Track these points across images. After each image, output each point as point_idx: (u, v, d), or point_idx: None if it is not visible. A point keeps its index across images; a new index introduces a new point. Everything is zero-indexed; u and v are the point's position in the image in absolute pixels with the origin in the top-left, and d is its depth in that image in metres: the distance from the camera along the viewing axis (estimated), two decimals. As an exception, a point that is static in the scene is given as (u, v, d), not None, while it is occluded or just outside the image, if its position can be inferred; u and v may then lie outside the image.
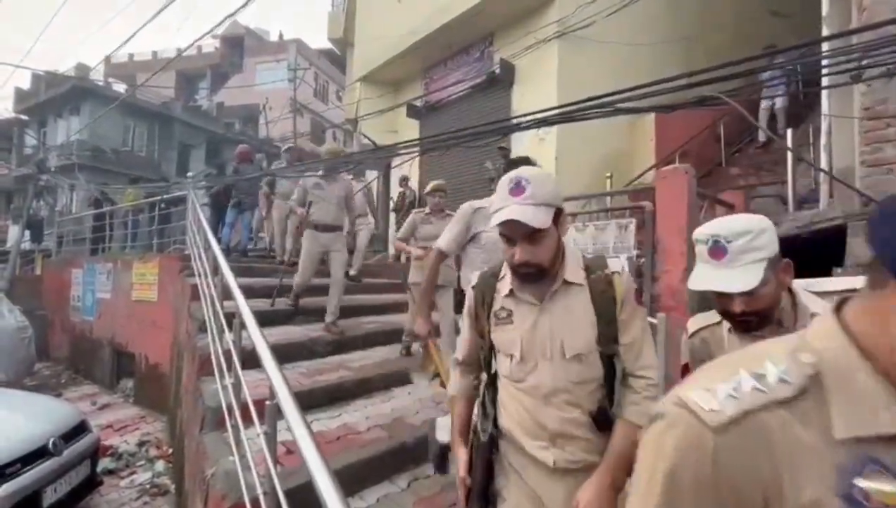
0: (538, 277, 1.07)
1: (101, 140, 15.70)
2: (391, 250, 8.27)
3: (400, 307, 5.00)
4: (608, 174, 5.81)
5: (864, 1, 3.27)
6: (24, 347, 6.40)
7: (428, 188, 3.77)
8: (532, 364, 1.11)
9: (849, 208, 3.17)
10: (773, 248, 0.98)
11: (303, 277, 4.06)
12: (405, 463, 2.45)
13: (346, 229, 4.50)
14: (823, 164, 3.99)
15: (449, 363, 3.08)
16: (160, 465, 4.16)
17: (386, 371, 3.46)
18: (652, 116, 5.97)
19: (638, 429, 1.03)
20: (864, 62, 1.59)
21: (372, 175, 5.55)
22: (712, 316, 1.18)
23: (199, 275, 3.64)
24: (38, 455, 2.95)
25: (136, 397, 6.05)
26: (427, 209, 3.77)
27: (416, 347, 3.78)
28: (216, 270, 2.92)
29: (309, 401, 2.76)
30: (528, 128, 2.13)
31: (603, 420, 1.10)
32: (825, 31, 4.02)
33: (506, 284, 1.16)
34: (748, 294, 0.95)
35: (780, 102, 6.80)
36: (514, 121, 2.13)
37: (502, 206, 1.03)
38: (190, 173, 6.89)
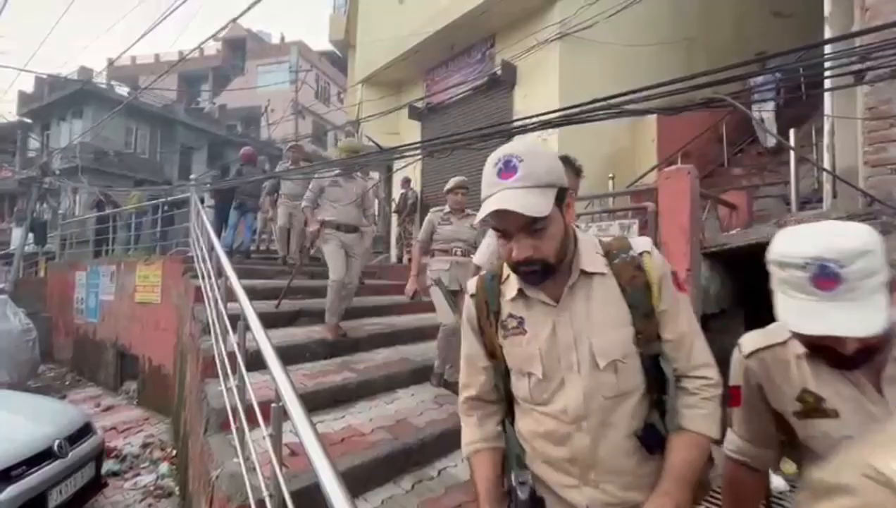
0: (545, 274, 0.86)
1: (103, 143, 15.77)
2: (393, 252, 8.28)
3: (401, 309, 5.00)
4: (610, 175, 5.81)
5: (867, 1, 3.26)
6: (29, 349, 6.43)
7: (449, 185, 3.48)
8: (557, 382, 0.90)
9: (852, 209, 3.16)
10: (888, 266, 0.76)
11: (337, 273, 3.77)
12: (409, 465, 2.45)
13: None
14: (826, 164, 3.99)
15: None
16: (164, 467, 4.17)
17: (389, 373, 3.46)
18: (654, 116, 5.97)
19: (702, 439, 0.89)
20: (868, 64, 1.59)
21: (376, 177, 5.56)
22: (775, 333, 0.97)
23: (203, 277, 3.65)
24: (43, 456, 2.96)
25: (140, 399, 6.07)
26: (446, 208, 3.49)
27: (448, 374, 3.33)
28: (220, 272, 2.93)
29: (312, 403, 2.76)
30: (534, 130, 2.14)
31: (653, 441, 0.88)
32: (827, 32, 4.01)
33: (511, 285, 0.95)
34: None
35: (767, 114, 6.76)
36: (520, 123, 2.13)
37: (490, 193, 0.82)
38: (193, 176, 6.92)
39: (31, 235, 10.99)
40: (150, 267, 6.06)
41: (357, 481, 2.18)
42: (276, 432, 1.58)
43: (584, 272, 0.90)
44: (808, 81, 3.99)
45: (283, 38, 26.80)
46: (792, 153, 4.85)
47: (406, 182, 7.79)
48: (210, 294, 3.20)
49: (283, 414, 1.42)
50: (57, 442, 3.09)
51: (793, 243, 0.79)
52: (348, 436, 2.56)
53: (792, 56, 2.02)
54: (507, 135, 2.88)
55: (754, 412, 1.03)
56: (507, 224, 0.83)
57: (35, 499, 2.80)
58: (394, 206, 7.88)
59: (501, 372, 0.98)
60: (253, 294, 2.58)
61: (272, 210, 6.57)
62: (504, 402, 1.02)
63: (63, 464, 3.05)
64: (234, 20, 4.69)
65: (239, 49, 25.21)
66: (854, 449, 0.41)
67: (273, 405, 1.55)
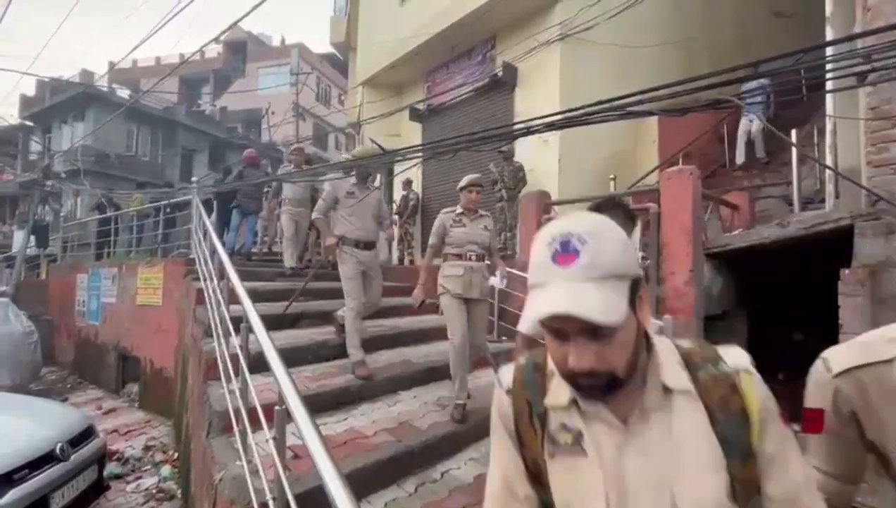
0: (610, 389, 0.64)
1: (105, 145, 15.80)
2: (394, 254, 8.27)
3: (403, 311, 4.99)
4: (612, 176, 5.81)
5: (869, 1, 3.26)
6: (30, 352, 6.43)
7: (463, 183, 3.22)
8: None
9: (856, 209, 3.15)
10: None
11: (357, 299, 3.43)
12: (412, 468, 2.45)
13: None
14: (828, 163, 3.98)
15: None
16: (166, 470, 4.16)
17: (391, 375, 3.45)
18: (655, 117, 5.97)
19: None
20: (871, 65, 1.58)
21: (378, 180, 5.56)
22: (873, 348, 0.82)
23: (205, 279, 3.66)
24: (45, 460, 2.96)
25: (142, 401, 6.06)
26: (458, 208, 3.21)
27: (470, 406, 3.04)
28: (222, 274, 2.93)
29: (315, 405, 2.74)
30: (538, 132, 2.13)
31: None
32: (829, 32, 4.01)
33: (561, 385, 0.70)
34: None
35: (756, 126, 6.70)
36: (523, 125, 2.13)
37: (542, 281, 0.62)
38: (194, 178, 6.92)
39: (32, 237, 11.01)
40: (152, 269, 6.07)
41: (360, 484, 2.17)
42: (280, 435, 1.57)
43: (664, 388, 0.68)
44: (808, 83, 3.98)
45: (283, 41, 26.88)
46: (794, 153, 4.85)
47: (407, 184, 7.79)
48: (212, 296, 3.20)
49: (287, 417, 1.42)
50: (59, 445, 3.08)
51: (548, 227, 0.67)
52: (351, 439, 2.56)
53: (792, 57, 2.02)
54: (510, 137, 2.88)
55: (842, 443, 0.87)
56: (564, 324, 0.61)
57: (37, 503, 2.79)
58: (394, 208, 7.88)
59: (549, 503, 0.71)
60: (254, 297, 2.58)
61: (273, 215, 6.55)
62: None
63: (65, 467, 3.05)
64: (235, 23, 4.70)
65: (240, 52, 25.28)
66: None
67: (277, 407, 1.55)
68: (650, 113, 1.62)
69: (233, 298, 2.64)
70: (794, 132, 4.92)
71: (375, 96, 8.90)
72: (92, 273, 7.58)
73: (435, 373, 3.60)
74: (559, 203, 5.00)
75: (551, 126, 1.94)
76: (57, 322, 8.56)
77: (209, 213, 5.90)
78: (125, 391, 6.55)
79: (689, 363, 0.70)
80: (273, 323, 3.80)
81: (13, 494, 2.66)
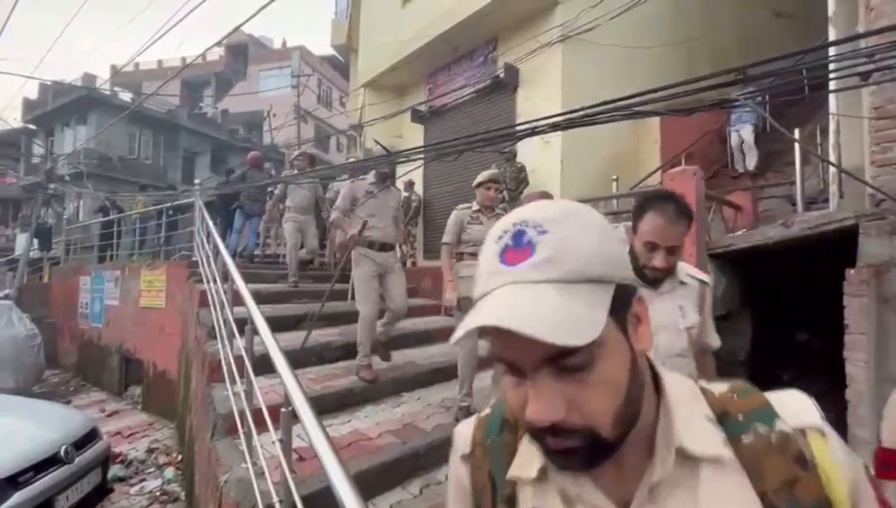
0: (595, 456, 0.42)
1: (107, 148, 15.85)
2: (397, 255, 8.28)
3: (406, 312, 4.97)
4: (614, 177, 5.80)
5: (872, 1, 3.26)
6: (34, 354, 6.45)
7: (480, 178, 3.05)
8: None
9: (860, 208, 3.14)
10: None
11: (368, 307, 3.26)
12: (417, 469, 2.44)
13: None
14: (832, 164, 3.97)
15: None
16: (170, 472, 4.16)
17: (395, 377, 3.45)
18: (657, 117, 5.97)
19: None
20: (876, 64, 1.58)
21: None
22: None
23: (208, 281, 3.66)
24: (50, 462, 2.96)
25: (145, 404, 6.07)
26: (475, 205, 3.05)
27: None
28: (226, 276, 2.93)
29: (319, 407, 2.73)
30: (542, 133, 2.13)
31: None
32: (832, 32, 4.01)
33: (532, 452, 0.49)
34: None
35: (747, 136, 6.58)
36: (527, 126, 2.13)
37: (488, 288, 0.43)
38: (197, 181, 6.93)
39: (35, 240, 11.04)
40: (155, 272, 6.08)
41: (365, 485, 2.15)
42: (286, 436, 1.57)
43: (683, 455, 0.44)
44: (811, 83, 3.98)
45: (284, 43, 26.97)
46: (797, 153, 4.84)
47: (409, 185, 7.80)
48: (216, 298, 3.20)
49: (293, 418, 1.42)
50: (63, 448, 3.09)
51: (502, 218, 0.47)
52: (355, 440, 2.56)
53: (795, 57, 2.02)
54: (514, 139, 2.88)
55: None
56: (516, 352, 0.42)
57: (42, 505, 2.79)
58: (397, 209, 7.89)
59: None
60: (257, 299, 2.58)
61: (275, 213, 6.39)
62: None
63: (69, 470, 3.05)
64: (238, 27, 4.72)
65: (241, 54, 25.36)
66: None
67: (283, 409, 1.55)
68: (655, 113, 1.61)
69: (236, 300, 2.64)
70: (796, 132, 4.91)
71: (377, 98, 8.92)
72: (95, 276, 7.60)
73: (439, 375, 3.60)
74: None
75: (555, 127, 1.94)
76: (60, 325, 8.58)
77: (214, 215, 5.87)
78: (128, 394, 6.56)
79: (723, 417, 0.46)
80: (276, 325, 3.80)
81: (18, 497, 2.67)
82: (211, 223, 4.16)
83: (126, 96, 18.58)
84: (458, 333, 0.42)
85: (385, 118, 8.16)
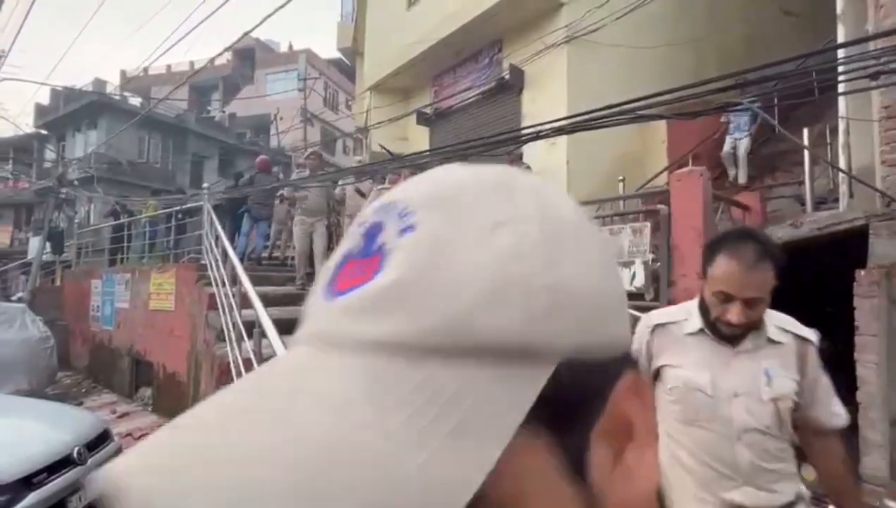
0: None
1: (117, 153, 16.06)
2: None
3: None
4: (620, 178, 5.79)
5: (881, -1, 3.23)
6: (46, 356, 6.54)
7: None
8: None
9: (870, 208, 3.11)
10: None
11: None
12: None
13: None
14: (842, 164, 3.93)
15: None
16: (179, 473, 4.20)
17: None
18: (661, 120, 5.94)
19: None
20: (886, 66, 1.57)
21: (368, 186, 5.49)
22: None
23: (216, 284, 3.70)
24: (63, 463, 3.00)
25: (155, 405, 6.13)
26: None
27: None
28: (234, 279, 2.97)
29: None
30: (547, 136, 2.14)
31: None
32: (840, 30, 3.97)
33: None
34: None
35: (742, 146, 6.26)
36: (531, 130, 2.13)
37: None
38: (205, 184, 7.01)
39: (48, 244, 11.21)
40: (164, 275, 6.15)
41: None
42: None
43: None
44: (818, 86, 3.95)
45: (291, 47, 27.15)
46: (806, 153, 4.80)
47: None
48: (224, 302, 3.24)
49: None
50: (76, 449, 3.13)
51: None
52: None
53: (804, 59, 2.01)
54: (517, 141, 2.89)
55: None
56: None
57: (55, 506, 2.83)
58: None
59: None
60: (265, 301, 2.61)
61: (284, 215, 6.27)
62: None
63: (82, 471, 3.09)
64: (246, 33, 4.77)
65: (248, 58, 25.56)
66: None
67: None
68: (660, 117, 1.61)
69: (244, 303, 2.67)
70: (805, 131, 4.87)
71: (383, 101, 8.97)
72: (106, 279, 7.70)
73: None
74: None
75: (560, 131, 1.94)
76: (72, 327, 8.69)
77: (222, 218, 5.86)
78: (138, 396, 6.63)
79: None
80: (284, 328, 3.83)
81: (32, 497, 2.71)
82: (219, 227, 4.20)
83: (135, 101, 18.82)
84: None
85: (390, 121, 8.20)
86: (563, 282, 0.20)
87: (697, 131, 6.19)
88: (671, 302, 3.75)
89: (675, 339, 1.20)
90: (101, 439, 3.48)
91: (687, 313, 1.20)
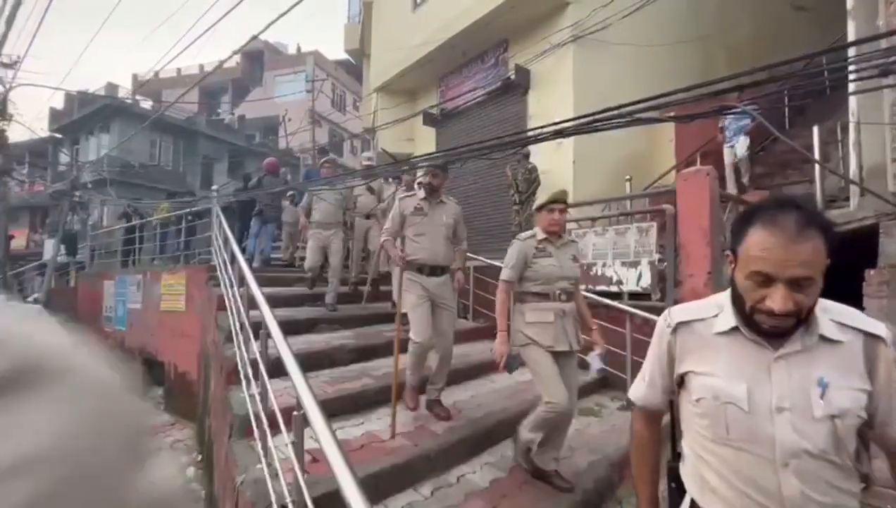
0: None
1: (129, 155, 16.30)
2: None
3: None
4: (627, 177, 5.76)
5: (891, -6, 3.18)
6: (61, 357, 6.66)
7: (545, 199, 2.54)
8: None
9: (881, 207, 3.07)
10: None
11: (422, 334, 2.92)
12: (428, 472, 2.47)
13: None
14: (853, 161, 3.88)
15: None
16: (190, 471, 4.27)
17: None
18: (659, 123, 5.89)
19: None
20: (882, 69, 1.55)
21: (390, 188, 5.50)
22: None
23: (225, 286, 3.75)
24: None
25: (166, 404, 6.23)
26: (538, 233, 2.52)
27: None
28: (242, 281, 3.01)
29: (333, 409, 2.80)
30: (545, 140, 2.14)
31: None
32: (850, 26, 3.92)
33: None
34: None
35: (741, 151, 6.05)
36: (531, 133, 2.14)
37: None
38: (214, 186, 7.09)
39: (62, 246, 11.42)
40: (175, 276, 6.24)
41: (377, 487, 2.20)
42: (298, 439, 1.61)
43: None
44: (823, 86, 3.89)
45: (299, 49, 27.30)
46: (816, 151, 4.74)
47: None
48: (232, 303, 3.28)
49: (305, 421, 1.46)
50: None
51: None
52: (368, 442, 2.59)
53: (813, 57, 1.98)
54: (521, 143, 2.89)
55: None
56: None
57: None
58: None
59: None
60: (274, 302, 2.64)
61: (303, 223, 5.33)
62: None
63: (95, 469, 3.16)
64: (255, 37, 4.82)
65: (257, 60, 25.80)
66: None
67: (295, 412, 1.59)
68: (657, 120, 1.61)
69: (251, 304, 2.71)
70: (815, 129, 4.81)
71: (390, 102, 9.01)
72: (118, 280, 7.83)
73: (452, 376, 3.62)
74: (576, 205, 4.97)
75: (559, 134, 1.94)
76: (86, 328, 8.85)
77: (231, 220, 5.85)
78: (150, 395, 6.74)
79: None
80: (292, 328, 3.88)
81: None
82: (227, 229, 4.26)
83: (147, 105, 19.09)
84: None
85: (397, 122, 8.23)
86: None
87: (707, 130, 6.14)
88: (677, 302, 3.72)
89: (702, 340, 0.99)
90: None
91: (718, 308, 0.98)
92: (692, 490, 0.99)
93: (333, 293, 4.87)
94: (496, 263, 4.90)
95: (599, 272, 4.47)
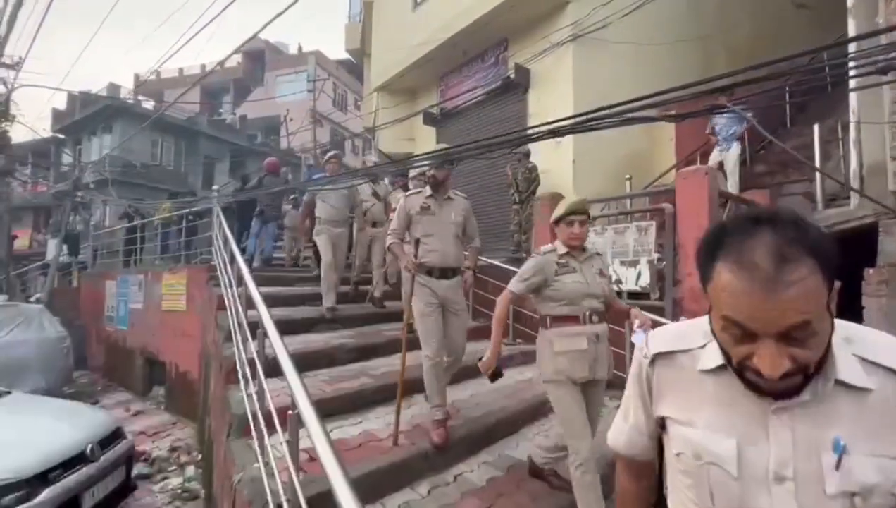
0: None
1: (130, 155, 16.35)
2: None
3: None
4: (627, 176, 5.75)
5: (891, -8, 3.17)
6: (63, 356, 6.70)
7: (561, 211, 2.21)
8: None
9: (879, 206, 3.06)
10: None
11: (434, 344, 2.71)
12: (425, 470, 2.47)
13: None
14: (853, 159, 3.86)
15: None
16: (190, 470, 4.29)
17: (406, 378, 3.48)
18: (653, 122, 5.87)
19: None
20: (879, 66, 1.55)
21: (385, 187, 5.45)
22: None
23: (225, 286, 3.76)
24: (77, 460, 3.10)
25: (167, 404, 6.26)
26: (559, 247, 2.24)
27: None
28: (240, 280, 3.02)
29: (331, 408, 2.81)
30: (541, 139, 2.14)
31: None
32: (850, 24, 3.90)
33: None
34: None
35: (732, 159, 5.61)
36: (529, 132, 2.13)
37: None
38: (215, 187, 7.11)
39: (64, 246, 11.47)
40: (176, 276, 6.26)
41: (374, 486, 2.21)
42: (293, 438, 1.62)
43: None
44: (820, 83, 3.88)
45: (300, 49, 27.33)
46: (817, 148, 4.73)
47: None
48: (231, 302, 3.29)
49: (300, 421, 1.46)
50: (90, 447, 3.22)
51: None
52: (366, 441, 2.60)
53: (812, 55, 1.98)
54: (517, 142, 2.89)
55: None
56: None
57: (70, 501, 2.92)
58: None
59: None
60: (274, 301, 2.65)
61: (305, 223, 5.25)
62: None
63: (95, 468, 3.18)
64: (255, 35, 4.83)
65: (258, 60, 25.83)
66: None
67: (290, 412, 1.59)
68: (652, 119, 1.61)
69: (250, 303, 2.72)
70: (816, 128, 4.79)
71: (390, 101, 9.01)
72: (120, 280, 7.86)
73: (452, 376, 3.62)
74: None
75: (554, 133, 1.94)
76: (88, 328, 8.89)
77: (231, 220, 5.83)
78: (152, 394, 6.77)
79: None
80: (290, 328, 3.89)
81: (48, 493, 2.79)
82: (227, 229, 4.27)
83: (148, 105, 19.13)
84: None
85: (397, 122, 8.23)
86: None
87: (706, 128, 6.11)
88: (676, 301, 3.71)
89: (684, 377, 0.76)
90: (114, 437, 3.57)
91: (706, 337, 0.74)
92: None
93: (333, 294, 4.70)
94: (496, 262, 4.92)
95: (599, 272, 4.45)
